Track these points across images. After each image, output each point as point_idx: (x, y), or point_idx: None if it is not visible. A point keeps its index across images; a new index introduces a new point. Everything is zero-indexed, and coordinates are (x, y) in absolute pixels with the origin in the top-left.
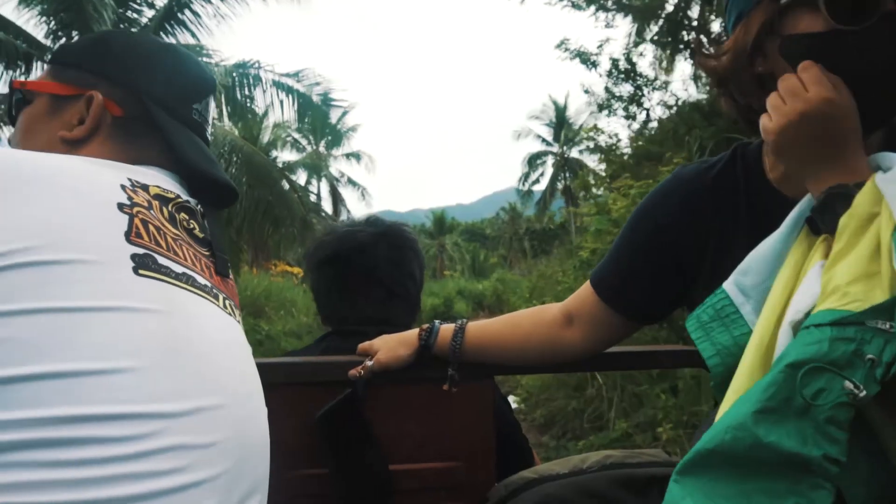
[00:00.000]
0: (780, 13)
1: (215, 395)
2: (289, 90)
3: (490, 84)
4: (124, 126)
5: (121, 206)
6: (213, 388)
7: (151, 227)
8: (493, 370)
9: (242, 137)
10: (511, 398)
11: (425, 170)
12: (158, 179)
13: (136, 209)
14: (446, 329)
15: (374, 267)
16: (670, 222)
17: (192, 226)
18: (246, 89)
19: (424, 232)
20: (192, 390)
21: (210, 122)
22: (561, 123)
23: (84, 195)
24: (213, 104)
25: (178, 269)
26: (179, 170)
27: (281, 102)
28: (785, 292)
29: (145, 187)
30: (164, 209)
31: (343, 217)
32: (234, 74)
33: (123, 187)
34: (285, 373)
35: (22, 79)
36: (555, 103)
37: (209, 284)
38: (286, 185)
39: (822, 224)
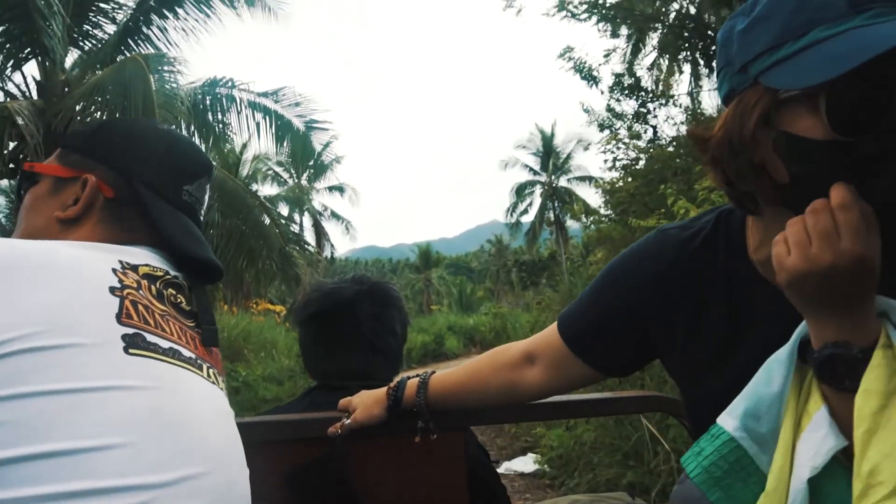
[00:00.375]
0: (777, 105)
1: (199, 463)
2: (266, 111)
3: (472, 118)
4: (116, 208)
5: (112, 290)
6: (198, 457)
7: (140, 307)
8: (466, 419)
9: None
10: (530, 457)
11: (408, 204)
12: (148, 258)
13: (126, 291)
14: (412, 384)
15: (358, 323)
16: (642, 289)
17: (179, 300)
18: (218, 111)
19: (410, 266)
20: (179, 460)
21: (204, 202)
22: (548, 152)
23: (78, 282)
24: (207, 186)
25: (165, 344)
26: (167, 248)
27: (257, 125)
28: (789, 438)
29: (135, 268)
30: (153, 287)
31: (327, 252)
32: (205, 94)
33: (115, 270)
34: (266, 432)
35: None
36: (541, 132)
37: (194, 356)
38: (265, 218)
39: (820, 379)
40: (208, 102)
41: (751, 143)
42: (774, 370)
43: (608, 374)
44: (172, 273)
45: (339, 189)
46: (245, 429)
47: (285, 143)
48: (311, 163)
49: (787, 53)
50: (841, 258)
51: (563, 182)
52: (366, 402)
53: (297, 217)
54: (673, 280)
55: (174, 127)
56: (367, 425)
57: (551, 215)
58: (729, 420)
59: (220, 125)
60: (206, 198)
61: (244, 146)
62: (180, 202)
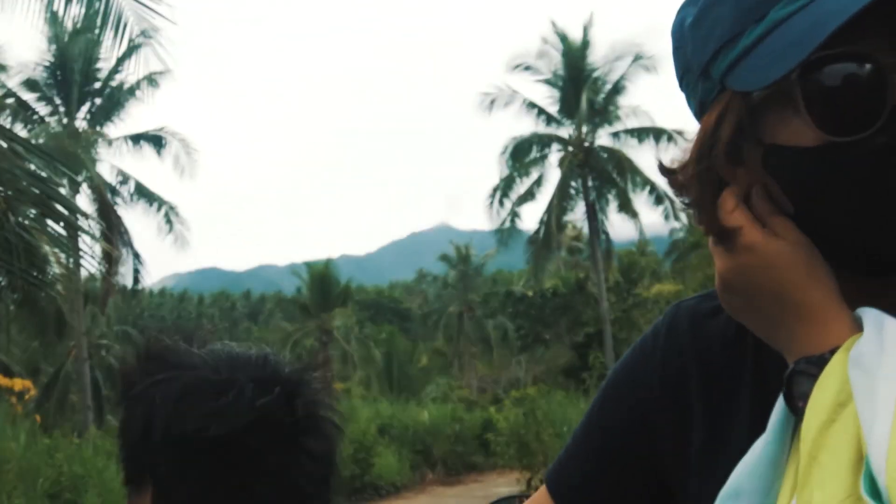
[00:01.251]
0: (752, 112)
1: None
2: None
3: (392, 36)
4: None
5: None
6: None
7: None
8: None
9: None
10: None
11: (282, 198)
12: None
13: None
14: None
15: (284, 467)
16: (648, 394)
17: None
18: None
19: (287, 305)
20: None
21: None
22: (577, 80)
23: None
24: None
25: None
26: None
27: None
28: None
29: None
30: None
31: (127, 273)
32: None
33: None
34: None
35: None
36: (563, 39)
37: None
38: None
39: (794, 413)
40: None
41: (735, 161)
42: (764, 436)
43: None
44: None
45: (154, 140)
46: None
47: None
48: (104, 40)
49: (747, 44)
50: (731, 259)
51: (603, 140)
52: None
53: (64, 191)
54: (684, 374)
55: None
56: None
57: (581, 205)
58: None
59: None
60: None
61: None
62: None
